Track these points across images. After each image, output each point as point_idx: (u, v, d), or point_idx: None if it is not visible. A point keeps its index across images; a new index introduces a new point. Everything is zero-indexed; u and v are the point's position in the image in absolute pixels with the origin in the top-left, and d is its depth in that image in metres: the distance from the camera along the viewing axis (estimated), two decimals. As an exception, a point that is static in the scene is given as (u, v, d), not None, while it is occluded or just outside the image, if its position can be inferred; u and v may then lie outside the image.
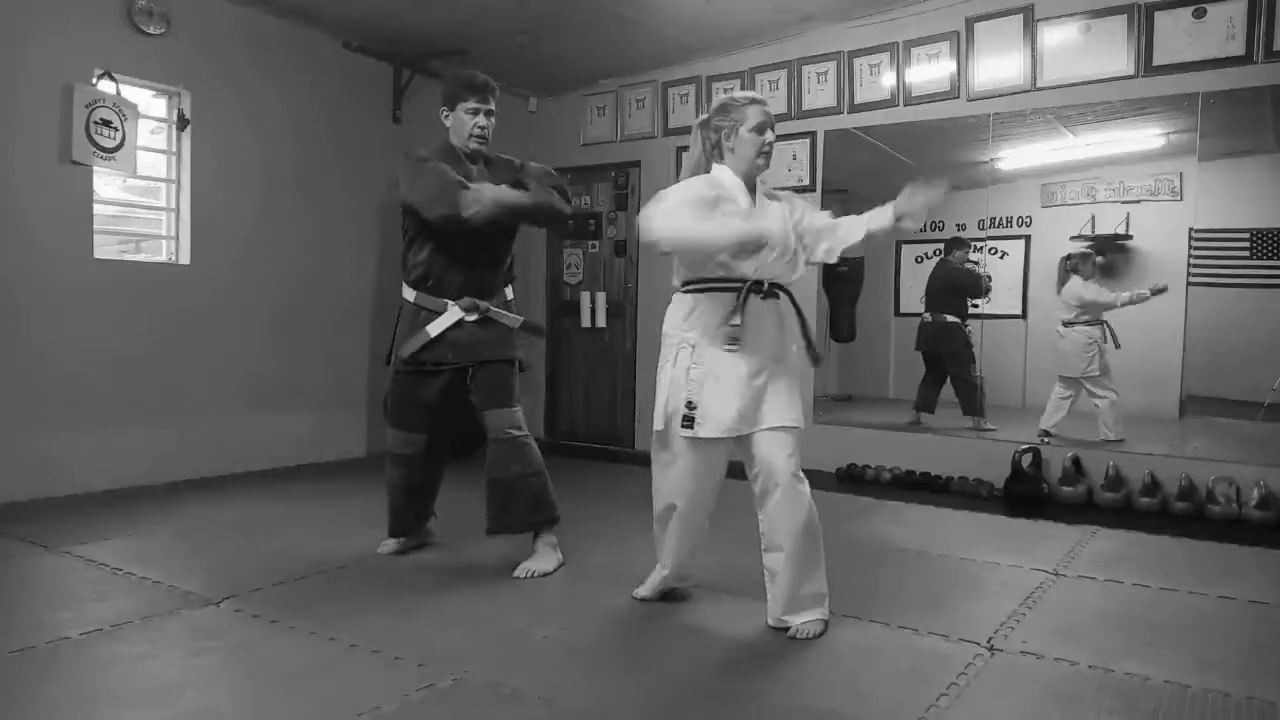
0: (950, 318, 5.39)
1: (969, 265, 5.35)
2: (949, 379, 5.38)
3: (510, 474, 3.04)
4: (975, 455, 4.84)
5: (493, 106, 3.08)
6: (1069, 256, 5.04)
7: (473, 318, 3.05)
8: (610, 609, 2.73)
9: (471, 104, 3.04)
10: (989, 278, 5.31)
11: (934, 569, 3.25)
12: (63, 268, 4.05)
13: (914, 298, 5.68)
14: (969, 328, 5.30)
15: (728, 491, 2.69)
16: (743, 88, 5.58)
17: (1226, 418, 4.65)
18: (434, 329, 3.03)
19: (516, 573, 3.04)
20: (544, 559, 3.10)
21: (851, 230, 2.66)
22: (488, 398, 3.08)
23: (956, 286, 5.38)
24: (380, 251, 5.35)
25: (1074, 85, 4.59)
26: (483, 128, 3.06)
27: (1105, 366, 4.92)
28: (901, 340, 5.77)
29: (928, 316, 5.47)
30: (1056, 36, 4.62)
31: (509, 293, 3.19)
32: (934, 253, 5.65)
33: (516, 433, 3.07)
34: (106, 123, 4.11)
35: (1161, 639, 2.52)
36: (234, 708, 2.02)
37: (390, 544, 3.30)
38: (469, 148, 3.08)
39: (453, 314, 3.03)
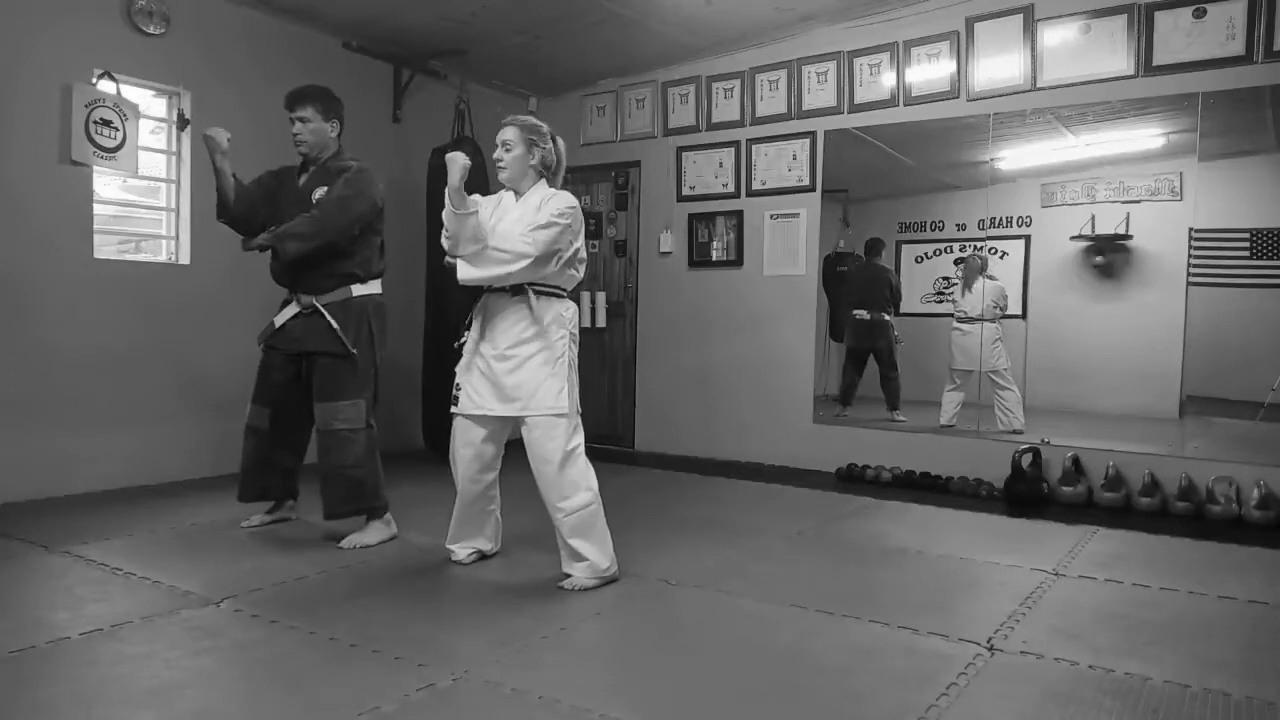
0: (885, 315, 5.71)
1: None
2: (880, 373, 5.71)
3: (327, 464, 3.31)
4: (975, 455, 4.84)
5: (301, 114, 3.36)
6: (978, 258, 5.36)
7: (293, 311, 3.38)
8: (610, 608, 2.73)
9: (290, 115, 3.37)
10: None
11: (934, 569, 3.24)
12: (63, 268, 4.05)
13: (914, 297, 5.69)
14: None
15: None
16: (743, 88, 5.59)
17: (1226, 418, 4.66)
18: (279, 319, 3.41)
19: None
20: (370, 533, 3.37)
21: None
22: (318, 391, 3.34)
23: (886, 286, 5.73)
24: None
25: (1074, 85, 4.59)
26: (295, 134, 3.38)
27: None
28: (902, 339, 5.77)
29: (863, 315, 5.75)
30: (1056, 36, 4.63)
31: (354, 290, 3.37)
32: (934, 252, 5.66)
33: (340, 426, 3.30)
34: (107, 123, 4.11)
35: (1161, 639, 2.52)
36: (234, 708, 2.01)
37: (254, 520, 3.58)
38: (298, 154, 3.43)
39: (292, 308, 3.40)
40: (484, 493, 3.08)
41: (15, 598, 2.70)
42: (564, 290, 2.96)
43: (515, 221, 2.88)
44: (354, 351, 3.31)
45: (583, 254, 2.98)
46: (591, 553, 2.88)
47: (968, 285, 5.36)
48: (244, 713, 1.99)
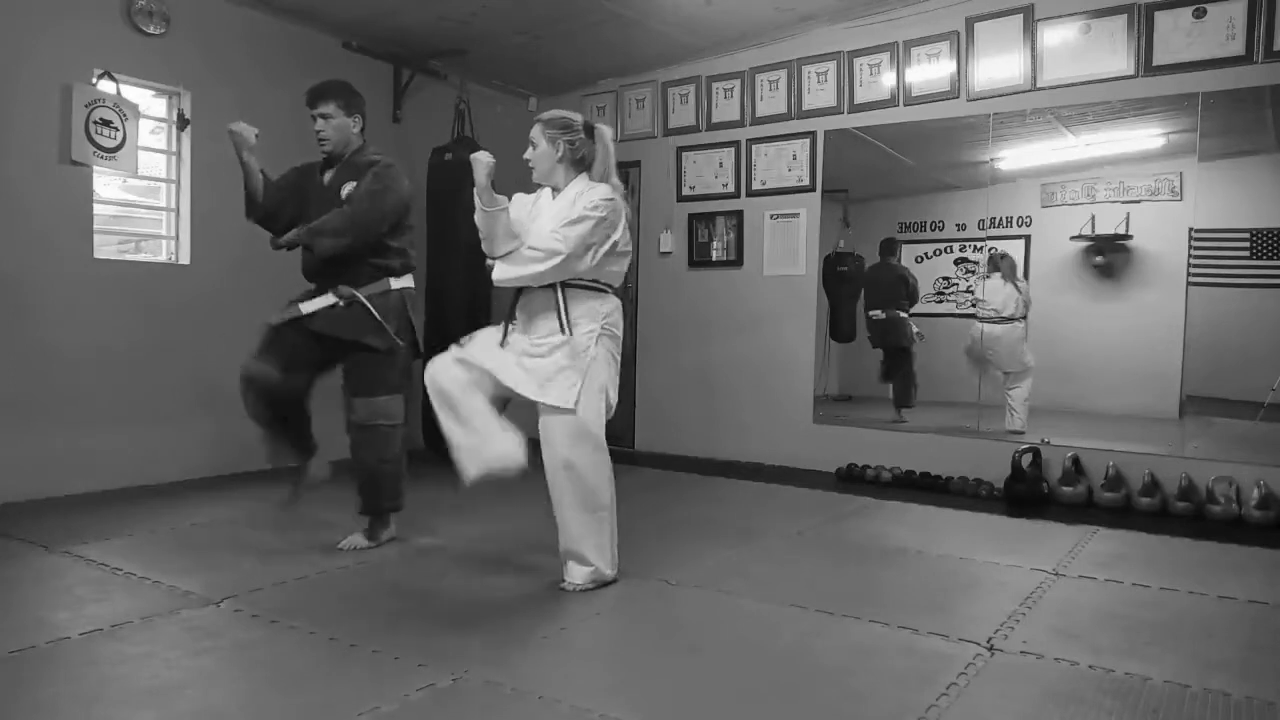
0: (901, 314, 5.69)
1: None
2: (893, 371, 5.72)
3: (363, 461, 3.29)
4: (975, 455, 4.83)
5: (323, 110, 3.27)
6: (1004, 257, 5.31)
7: (327, 302, 3.26)
8: (610, 608, 2.73)
9: (312, 112, 3.29)
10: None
11: (934, 569, 3.24)
12: (63, 268, 4.05)
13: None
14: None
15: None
16: (743, 88, 5.59)
17: (1226, 418, 4.66)
18: (306, 307, 3.28)
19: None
20: (371, 534, 3.35)
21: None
22: (357, 385, 3.27)
23: (903, 284, 5.72)
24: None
25: (1074, 85, 4.59)
26: (318, 131, 3.29)
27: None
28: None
29: (879, 315, 5.75)
30: (1056, 36, 4.62)
31: (393, 283, 3.31)
32: (934, 252, 5.66)
33: (383, 422, 3.27)
34: (107, 123, 4.11)
35: (1161, 639, 2.52)
36: (234, 708, 2.01)
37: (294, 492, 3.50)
38: (321, 152, 3.35)
39: (325, 299, 3.27)
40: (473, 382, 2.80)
41: (15, 598, 2.70)
42: (602, 285, 2.86)
43: (551, 219, 2.81)
44: (400, 343, 3.26)
45: (623, 246, 2.86)
46: (593, 555, 2.87)
47: (1013, 281, 5.30)
48: (244, 713, 1.99)
